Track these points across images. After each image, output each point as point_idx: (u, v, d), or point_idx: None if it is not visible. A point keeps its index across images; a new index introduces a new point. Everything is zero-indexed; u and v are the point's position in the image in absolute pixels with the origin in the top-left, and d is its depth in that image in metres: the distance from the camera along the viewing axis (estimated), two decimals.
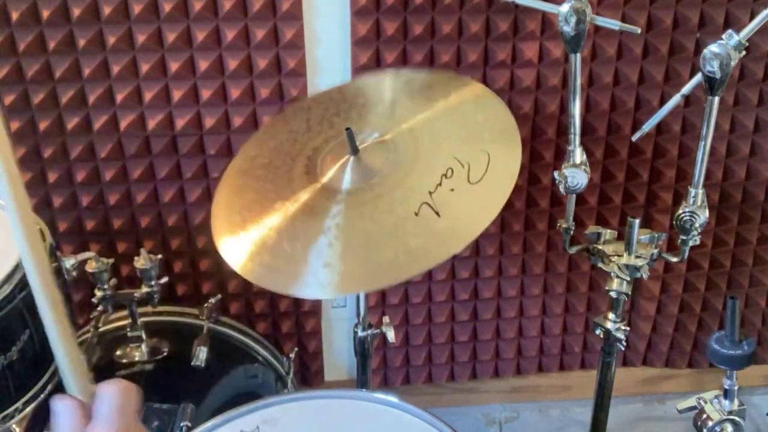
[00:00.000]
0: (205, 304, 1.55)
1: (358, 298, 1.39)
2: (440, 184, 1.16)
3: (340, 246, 1.14)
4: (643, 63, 1.67)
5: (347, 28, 1.61)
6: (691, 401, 1.27)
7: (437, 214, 1.13)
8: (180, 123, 1.65)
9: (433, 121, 1.29)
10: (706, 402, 1.26)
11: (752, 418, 1.98)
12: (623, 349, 1.43)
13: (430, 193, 1.15)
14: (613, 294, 1.37)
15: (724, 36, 1.14)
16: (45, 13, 1.52)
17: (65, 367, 0.70)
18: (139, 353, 1.47)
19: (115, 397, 0.69)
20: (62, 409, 0.67)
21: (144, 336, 1.48)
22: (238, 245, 1.20)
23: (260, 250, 1.18)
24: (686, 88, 1.35)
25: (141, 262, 1.45)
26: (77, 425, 0.66)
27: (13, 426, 1.23)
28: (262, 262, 1.17)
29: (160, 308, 1.54)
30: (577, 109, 1.27)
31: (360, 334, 1.41)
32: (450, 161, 1.19)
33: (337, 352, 1.98)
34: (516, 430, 2.02)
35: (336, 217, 1.18)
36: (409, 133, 1.27)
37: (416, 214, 1.13)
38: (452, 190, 1.16)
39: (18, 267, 1.18)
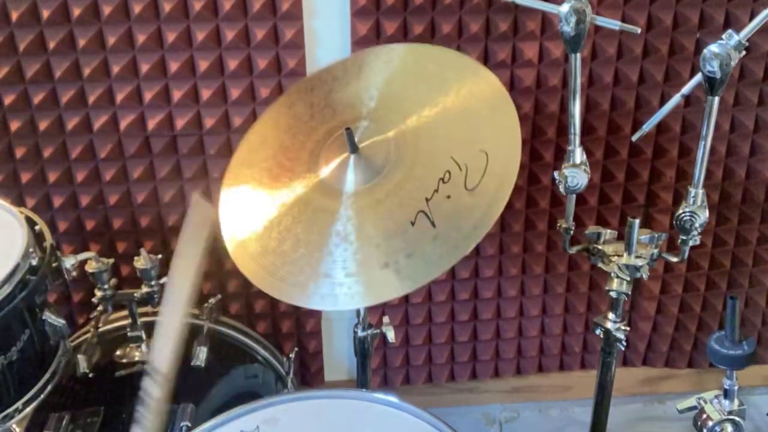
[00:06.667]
0: (205, 304, 1.55)
1: None
2: (437, 190, 1.17)
3: (351, 256, 1.15)
4: (643, 63, 1.67)
5: (347, 28, 1.61)
6: (691, 401, 1.27)
7: (433, 224, 1.13)
8: (180, 123, 1.65)
9: (434, 114, 1.28)
10: (706, 402, 1.26)
11: (752, 418, 1.98)
12: (623, 349, 1.43)
13: (427, 200, 1.16)
14: (613, 294, 1.37)
15: (724, 36, 1.14)
16: (45, 13, 1.52)
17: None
18: (139, 353, 1.47)
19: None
20: None
21: (144, 336, 1.48)
22: (245, 244, 1.21)
23: (264, 251, 1.19)
24: (686, 88, 1.35)
25: (141, 262, 1.45)
26: None
27: (13, 426, 1.23)
28: (266, 266, 1.18)
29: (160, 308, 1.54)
30: (577, 109, 1.27)
31: (360, 334, 1.41)
32: (448, 162, 1.19)
33: (337, 352, 1.98)
34: (516, 430, 2.02)
35: (341, 223, 1.18)
36: (409, 128, 1.27)
37: (412, 224, 1.14)
38: (449, 197, 1.16)
39: (18, 267, 1.18)
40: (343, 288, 1.13)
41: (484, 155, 1.18)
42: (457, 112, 1.27)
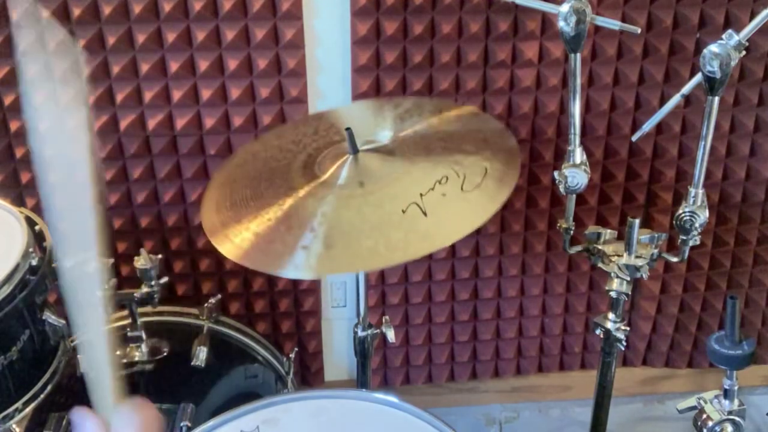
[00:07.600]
0: (205, 304, 1.55)
1: (357, 297, 1.39)
2: (432, 189, 1.17)
3: (321, 231, 1.14)
4: (643, 63, 1.67)
5: (347, 28, 1.61)
6: (691, 401, 1.28)
7: (424, 213, 1.13)
8: (180, 123, 1.65)
9: (434, 133, 1.30)
10: (706, 402, 1.26)
11: (752, 418, 1.98)
12: (623, 349, 1.43)
13: (421, 195, 1.16)
14: (613, 294, 1.37)
15: (724, 36, 1.14)
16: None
17: (94, 379, 0.69)
18: (139, 353, 1.47)
19: (136, 422, 0.67)
20: (82, 424, 0.66)
21: (144, 336, 1.48)
22: (233, 235, 1.20)
23: (256, 238, 1.18)
24: (686, 88, 1.35)
25: (141, 262, 1.45)
26: None
27: (13, 426, 1.24)
28: (251, 242, 1.17)
29: (160, 308, 1.54)
30: (577, 109, 1.27)
31: (360, 334, 1.41)
32: (446, 170, 1.20)
33: (337, 352, 1.98)
34: (516, 430, 2.02)
35: (324, 206, 1.18)
36: (409, 142, 1.29)
37: (403, 212, 1.14)
38: (444, 195, 1.16)
39: (18, 267, 1.18)
40: (319, 258, 1.12)
41: (484, 169, 1.20)
42: (452, 129, 1.32)
